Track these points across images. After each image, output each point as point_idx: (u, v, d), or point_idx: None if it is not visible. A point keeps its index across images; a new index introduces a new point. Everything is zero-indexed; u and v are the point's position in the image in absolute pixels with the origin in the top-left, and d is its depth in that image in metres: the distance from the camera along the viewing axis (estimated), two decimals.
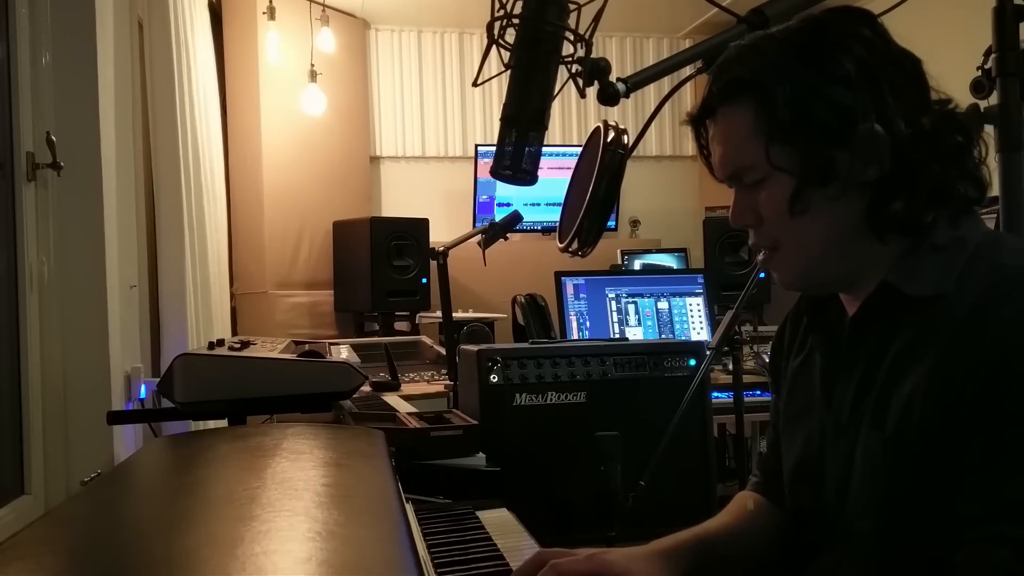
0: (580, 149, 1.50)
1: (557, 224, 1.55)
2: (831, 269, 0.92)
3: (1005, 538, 0.75)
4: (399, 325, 4.16)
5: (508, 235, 2.52)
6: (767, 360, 2.86)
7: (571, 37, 1.22)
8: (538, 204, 4.68)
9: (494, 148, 1.27)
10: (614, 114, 2.58)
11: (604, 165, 1.34)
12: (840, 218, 0.88)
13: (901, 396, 0.84)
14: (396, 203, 4.86)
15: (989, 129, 1.20)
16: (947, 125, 0.88)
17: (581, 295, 2.98)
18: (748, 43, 0.92)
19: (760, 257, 0.96)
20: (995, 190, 1.21)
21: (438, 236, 3.98)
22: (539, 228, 4.72)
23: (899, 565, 0.85)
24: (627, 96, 1.16)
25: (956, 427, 0.79)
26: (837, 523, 0.92)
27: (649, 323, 3.04)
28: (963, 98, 1.21)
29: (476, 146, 4.76)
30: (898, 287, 0.87)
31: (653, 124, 1.29)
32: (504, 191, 4.70)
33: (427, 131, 4.94)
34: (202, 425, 2.22)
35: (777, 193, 0.89)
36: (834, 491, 0.93)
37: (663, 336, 3.01)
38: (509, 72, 1.22)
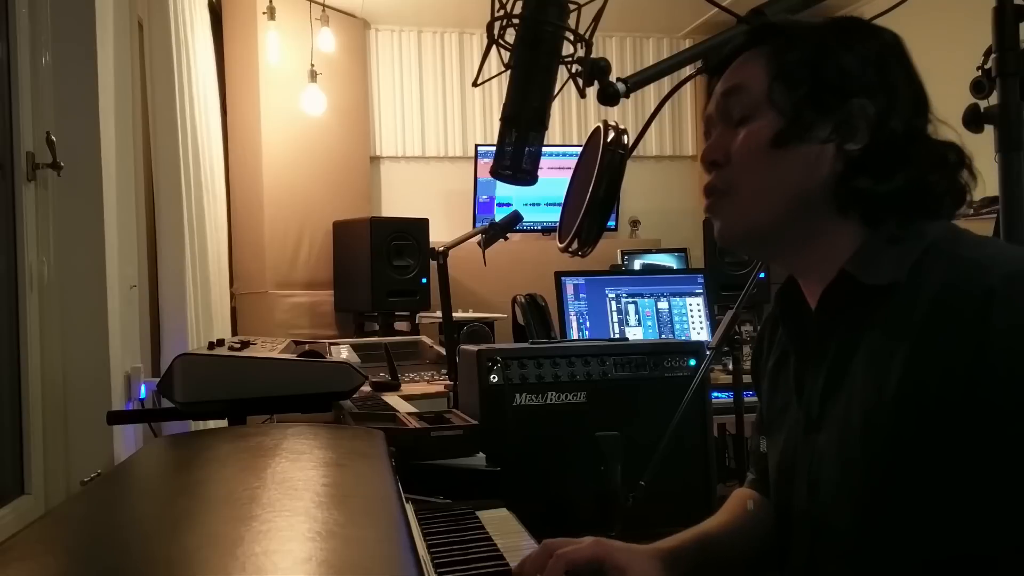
0: (580, 149, 1.49)
1: (557, 224, 1.55)
2: (777, 227, 0.93)
3: None
4: (399, 325, 4.16)
5: (508, 235, 2.52)
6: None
7: (571, 37, 1.22)
8: (538, 204, 4.68)
9: (494, 148, 1.27)
10: (614, 114, 2.58)
11: (604, 165, 1.34)
12: (807, 177, 0.90)
13: (873, 393, 0.84)
14: (396, 203, 4.86)
15: (989, 129, 1.20)
16: (941, 141, 0.91)
17: (581, 295, 2.99)
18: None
19: (707, 204, 0.97)
20: (995, 190, 1.21)
21: (438, 236, 3.98)
22: (539, 228, 4.72)
23: (873, 561, 0.85)
24: (627, 96, 1.16)
25: (935, 422, 0.79)
26: (808, 519, 0.93)
27: (649, 323, 3.04)
28: (963, 98, 1.21)
29: (476, 146, 4.76)
30: (855, 276, 0.88)
31: (653, 124, 1.29)
32: (504, 191, 4.70)
33: (427, 131, 4.94)
34: (202, 425, 2.22)
35: (758, 130, 0.91)
36: (806, 486, 0.93)
37: (663, 336, 3.01)
38: (509, 72, 1.22)
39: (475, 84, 1.41)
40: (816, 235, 0.92)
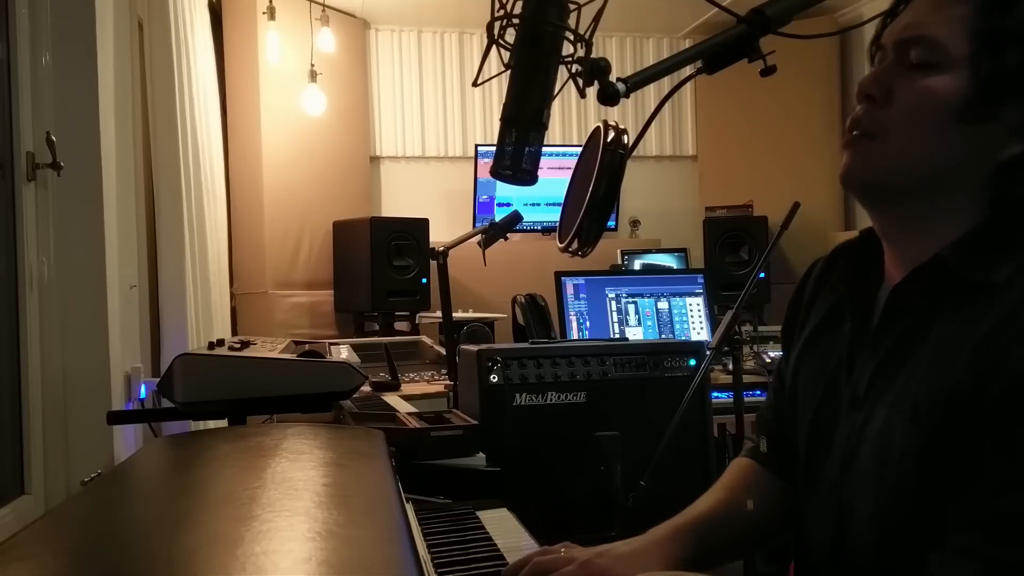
0: (580, 149, 1.49)
1: (557, 224, 1.55)
2: (909, 192, 0.84)
3: (980, 555, 0.73)
4: (399, 325, 4.16)
5: (508, 235, 2.52)
6: (768, 348, 2.82)
7: (571, 37, 1.22)
8: (538, 204, 4.68)
9: (494, 148, 1.27)
10: (614, 114, 2.58)
11: (604, 165, 1.34)
12: (969, 157, 0.82)
13: (932, 383, 0.80)
14: (396, 203, 4.86)
15: None
16: None
17: (581, 295, 2.98)
18: None
19: (847, 137, 0.88)
20: None
21: (438, 236, 3.98)
22: (539, 228, 4.72)
23: (890, 553, 0.83)
24: (627, 96, 1.16)
25: (976, 426, 0.75)
26: (836, 498, 0.90)
27: (649, 323, 3.04)
28: None
29: (476, 146, 4.76)
30: (950, 266, 0.81)
31: (653, 124, 1.29)
32: (504, 191, 4.70)
33: (427, 131, 4.94)
34: (202, 425, 2.22)
35: (939, 87, 0.81)
36: (839, 463, 0.90)
37: (663, 336, 3.01)
38: (509, 72, 1.22)
39: (475, 84, 1.41)
40: (940, 212, 0.84)
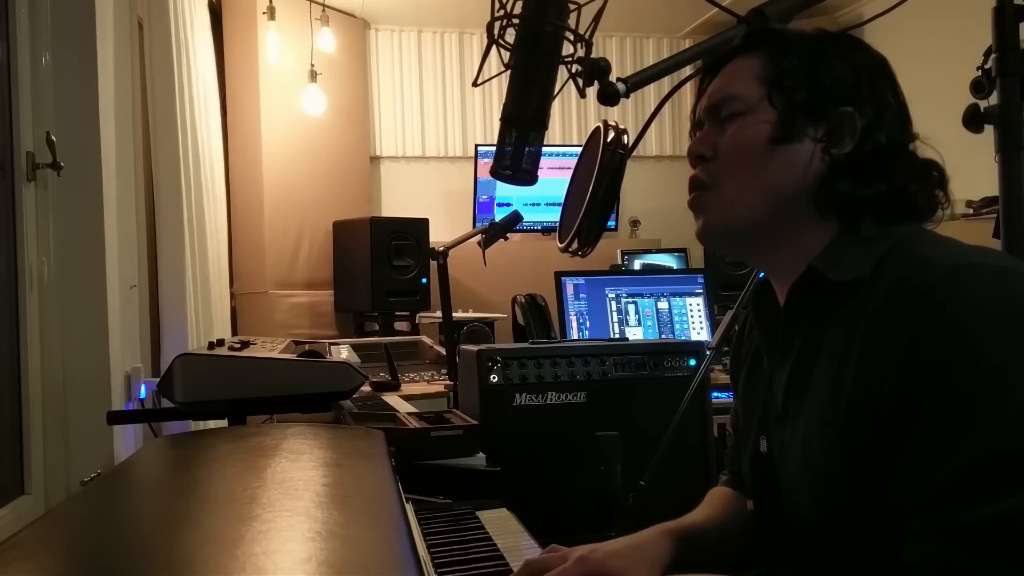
0: (580, 149, 1.49)
1: (557, 224, 1.55)
2: (757, 224, 0.94)
3: (938, 532, 0.75)
4: (399, 325, 4.16)
5: (508, 235, 2.52)
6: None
7: (571, 37, 1.22)
8: (538, 204, 4.68)
9: (494, 148, 1.27)
10: (614, 114, 2.58)
11: (604, 165, 1.34)
12: (792, 177, 0.92)
13: (832, 387, 0.85)
14: (396, 203, 4.86)
15: (989, 129, 1.20)
16: (925, 158, 0.93)
17: (581, 295, 2.98)
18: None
19: (690, 197, 1.01)
20: (995, 190, 1.21)
21: (438, 236, 3.98)
22: (539, 228, 4.72)
23: (842, 554, 0.86)
24: (627, 96, 1.16)
25: (880, 417, 0.79)
26: (782, 509, 0.95)
27: (649, 323, 3.04)
28: (963, 98, 1.21)
29: (476, 146, 4.76)
30: (822, 272, 0.89)
31: (653, 124, 1.29)
32: (504, 191, 4.70)
33: (427, 131, 4.94)
34: (202, 425, 2.22)
35: (749, 126, 0.93)
36: (778, 477, 0.96)
37: (663, 336, 3.01)
38: (509, 72, 1.22)
39: (475, 84, 1.41)
40: (793, 234, 0.94)
